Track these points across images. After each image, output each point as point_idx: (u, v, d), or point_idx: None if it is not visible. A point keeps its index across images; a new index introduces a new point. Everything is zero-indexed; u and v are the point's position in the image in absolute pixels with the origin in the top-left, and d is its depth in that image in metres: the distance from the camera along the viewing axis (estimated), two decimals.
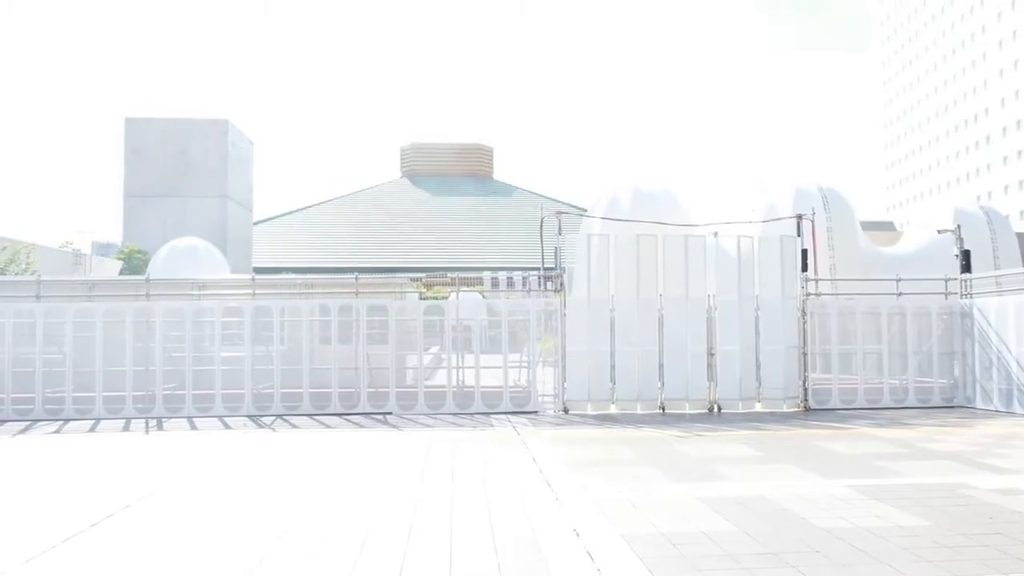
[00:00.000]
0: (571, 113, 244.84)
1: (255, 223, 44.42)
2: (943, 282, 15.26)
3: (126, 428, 12.22)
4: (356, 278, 14.59)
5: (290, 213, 59.53)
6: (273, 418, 13.04)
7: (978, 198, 75.91)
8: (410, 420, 12.81)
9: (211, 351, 13.79)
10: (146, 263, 28.38)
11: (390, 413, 13.37)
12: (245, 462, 9.34)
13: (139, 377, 13.40)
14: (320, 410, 13.38)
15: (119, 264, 30.56)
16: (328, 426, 12.25)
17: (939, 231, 17.92)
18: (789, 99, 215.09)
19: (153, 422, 12.73)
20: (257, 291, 14.42)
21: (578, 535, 5.67)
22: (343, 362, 13.63)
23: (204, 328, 13.99)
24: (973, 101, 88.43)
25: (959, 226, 15.98)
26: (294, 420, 12.84)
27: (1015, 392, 13.57)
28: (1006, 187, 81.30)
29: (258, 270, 35.82)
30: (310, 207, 61.03)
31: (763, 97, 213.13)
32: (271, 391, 13.54)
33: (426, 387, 13.96)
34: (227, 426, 12.32)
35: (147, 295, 13.97)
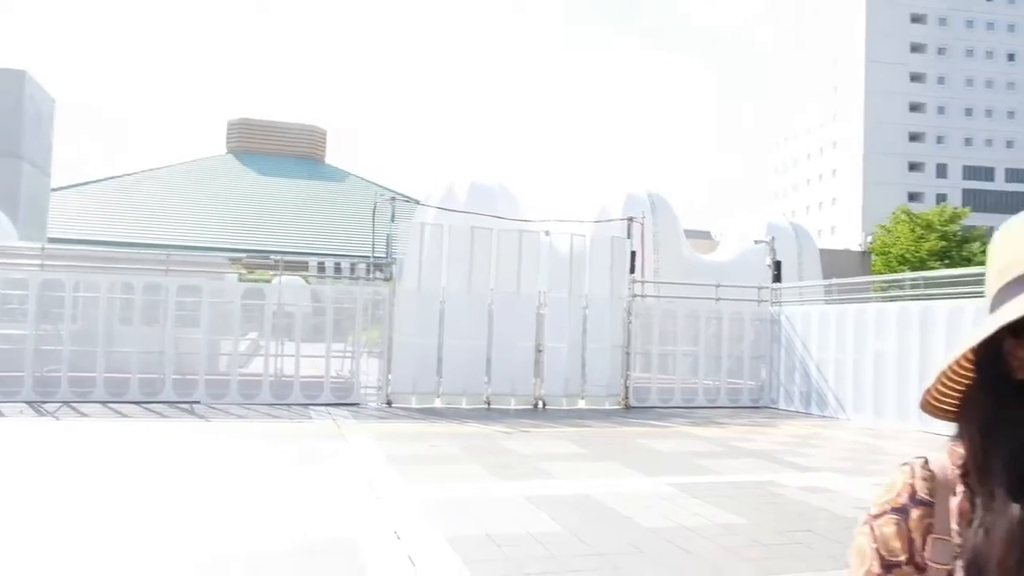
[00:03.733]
0: (412, 105, 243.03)
1: (54, 189, 40.32)
2: (756, 290, 16.15)
3: None
4: (168, 255, 13.40)
5: (98, 181, 54.56)
6: (59, 405, 11.60)
7: (783, 215, 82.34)
8: (220, 410, 11.83)
9: None
10: None
11: (198, 402, 12.30)
12: (7, 456, 8.15)
13: None
14: (117, 397, 12.07)
15: None
16: (124, 415, 11.05)
17: (756, 242, 19.04)
18: (630, 104, 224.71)
19: None
20: (46, 262, 12.82)
21: (399, 537, 5.26)
22: (146, 345, 12.39)
23: None
24: (785, 126, 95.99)
25: (773, 238, 16.97)
26: (84, 408, 11.48)
27: (813, 395, 14.57)
28: (807, 207, 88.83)
29: (55, 241, 32.44)
30: (121, 176, 56.24)
31: (602, 101, 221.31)
32: (58, 375, 12.05)
33: (240, 375, 12.99)
34: (0, 413, 10.80)
35: None
